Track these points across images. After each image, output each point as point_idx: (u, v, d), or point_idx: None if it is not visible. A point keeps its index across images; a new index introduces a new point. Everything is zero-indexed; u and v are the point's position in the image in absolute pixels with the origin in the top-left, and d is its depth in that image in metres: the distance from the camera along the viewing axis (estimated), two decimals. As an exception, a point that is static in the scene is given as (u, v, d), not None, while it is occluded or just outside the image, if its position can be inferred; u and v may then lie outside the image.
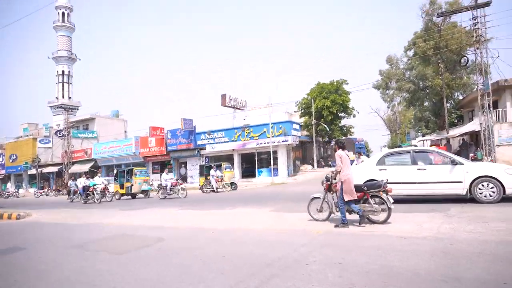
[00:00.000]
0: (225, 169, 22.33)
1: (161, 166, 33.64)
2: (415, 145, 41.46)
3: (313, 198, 7.76)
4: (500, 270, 3.85)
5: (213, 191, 20.16)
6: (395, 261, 4.38)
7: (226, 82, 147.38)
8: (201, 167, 25.18)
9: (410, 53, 36.51)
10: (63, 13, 63.98)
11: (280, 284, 3.90)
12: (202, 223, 8.95)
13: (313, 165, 35.32)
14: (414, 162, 8.90)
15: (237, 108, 36.00)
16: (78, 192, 20.15)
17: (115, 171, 23.61)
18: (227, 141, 29.53)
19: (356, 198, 6.80)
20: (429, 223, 6.39)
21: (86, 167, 36.68)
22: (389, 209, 6.70)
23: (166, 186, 18.46)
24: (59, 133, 40.18)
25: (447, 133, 26.30)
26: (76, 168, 37.92)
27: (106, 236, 8.06)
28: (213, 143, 30.06)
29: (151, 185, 22.30)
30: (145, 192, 21.05)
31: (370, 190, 6.89)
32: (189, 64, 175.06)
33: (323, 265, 4.50)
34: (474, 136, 23.76)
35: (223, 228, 7.89)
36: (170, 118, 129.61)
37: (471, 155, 22.63)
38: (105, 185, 19.45)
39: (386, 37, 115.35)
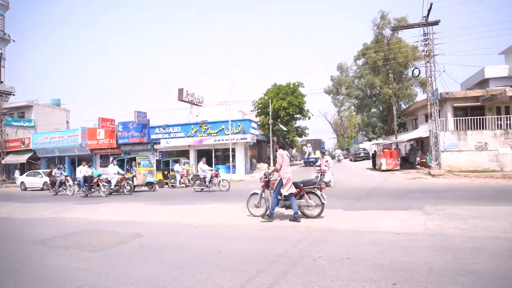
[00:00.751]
0: (184, 165, 21.61)
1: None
2: (364, 148, 43.86)
3: (253, 194, 8.05)
4: (502, 264, 4.01)
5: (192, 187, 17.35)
6: (402, 256, 4.40)
7: (181, 78, 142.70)
8: (158, 162, 24.12)
9: (360, 62, 38.54)
10: (-7, -11, 57.85)
11: (296, 281, 3.72)
12: (176, 219, 8.41)
13: (269, 164, 35.54)
14: None
15: (194, 104, 35.01)
16: (77, 183, 16.99)
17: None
18: (183, 137, 28.67)
19: (295, 192, 7.23)
20: (412, 220, 6.61)
21: (23, 158, 33.35)
22: (323, 204, 7.21)
23: (205, 177, 16.32)
24: (-10, 120, 36.01)
25: (396, 138, 27.95)
26: (10, 159, 34.35)
27: (70, 231, 7.26)
28: (168, 138, 28.97)
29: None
30: (150, 184, 18.70)
31: (305, 187, 7.37)
32: (141, 57, 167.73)
33: (331, 260, 4.39)
34: (420, 142, 25.57)
35: (205, 223, 7.47)
36: (120, 111, 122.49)
37: (418, 159, 24.40)
38: (122, 175, 16.77)
39: (336, 45, 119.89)
